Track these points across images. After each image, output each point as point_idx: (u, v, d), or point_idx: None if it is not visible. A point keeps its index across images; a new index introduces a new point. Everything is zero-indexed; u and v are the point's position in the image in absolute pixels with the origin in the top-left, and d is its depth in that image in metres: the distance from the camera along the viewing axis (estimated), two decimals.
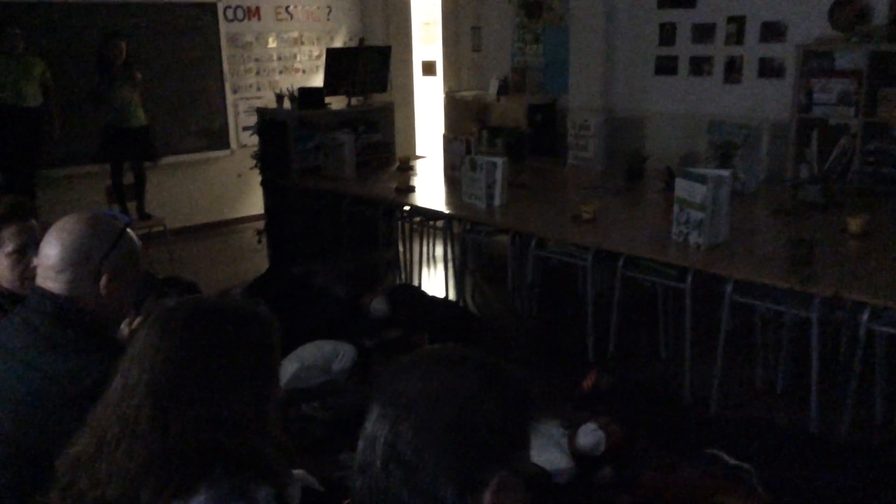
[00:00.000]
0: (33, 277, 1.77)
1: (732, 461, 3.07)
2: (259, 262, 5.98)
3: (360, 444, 1.02)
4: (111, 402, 1.29)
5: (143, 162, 6.51)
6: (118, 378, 1.29)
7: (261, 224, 6.34)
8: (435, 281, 5.71)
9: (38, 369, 1.59)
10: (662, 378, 4.04)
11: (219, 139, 7.50)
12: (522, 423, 1.02)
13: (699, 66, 5.70)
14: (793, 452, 3.18)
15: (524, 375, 1.05)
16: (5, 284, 2.17)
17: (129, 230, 1.82)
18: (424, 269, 5.79)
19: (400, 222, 5.19)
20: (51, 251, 1.70)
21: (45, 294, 1.69)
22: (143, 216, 6.59)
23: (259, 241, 6.31)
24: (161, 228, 6.56)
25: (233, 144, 7.49)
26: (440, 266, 5.85)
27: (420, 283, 5.64)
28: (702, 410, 3.64)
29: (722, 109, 5.48)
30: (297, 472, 1.79)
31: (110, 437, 1.26)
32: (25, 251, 2.15)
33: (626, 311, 4.14)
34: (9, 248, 2.16)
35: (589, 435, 3.11)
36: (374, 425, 1.01)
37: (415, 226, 5.44)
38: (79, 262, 1.71)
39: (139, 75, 6.27)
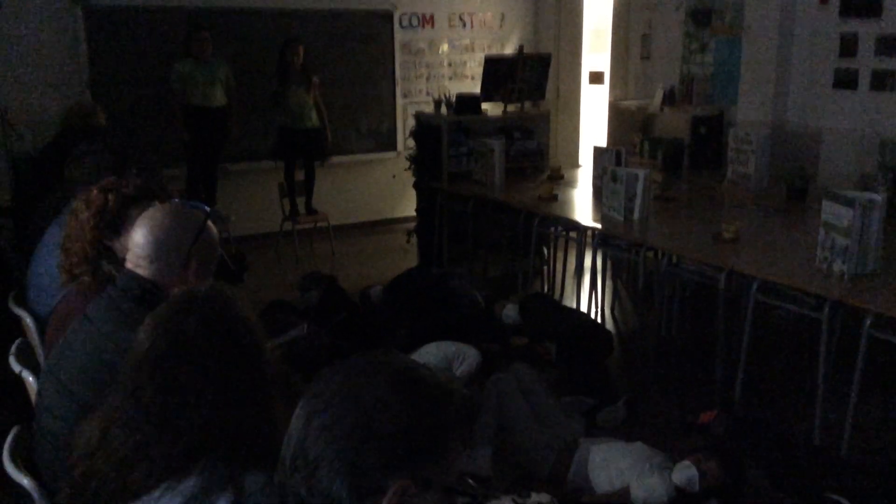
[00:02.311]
0: None
1: None
2: (407, 262, 6.17)
3: (284, 441, 1.04)
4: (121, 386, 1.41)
5: (314, 161, 6.91)
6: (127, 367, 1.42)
7: (412, 225, 6.52)
8: (573, 292, 5.62)
9: (113, 341, 1.76)
10: (791, 414, 3.76)
11: (386, 141, 7.82)
12: (433, 434, 1.00)
13: (882, 81, 5.21)
14: None
15: (448, 390, 1.03)
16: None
17: (209, 220, 1.99)
18: (565, 280, 5.72)
19: (537, 231, 5.15)
20: (143, 241, 1.89)
21: (134, 277, 1.88)
22: (310, 211, 6.98)
23: (408, 241, 6.51)
24: (325, 224, 6.94)
25: (399, 147, 7.77)
26: (581, 277, 5.74)
27: (559, 294, 5.59)
28: (831, 453, 3.35)
29: None
30: None
31: (119, 419, 1.37)
32: None
33: (760, 339, 3.89)
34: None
35: (683, 471, 2.99)
36: (293, 423, 1.03)
37: (554, 236, 5.40)
38: (169, 252, 1.90)
39: (316, 80, 6.62)
